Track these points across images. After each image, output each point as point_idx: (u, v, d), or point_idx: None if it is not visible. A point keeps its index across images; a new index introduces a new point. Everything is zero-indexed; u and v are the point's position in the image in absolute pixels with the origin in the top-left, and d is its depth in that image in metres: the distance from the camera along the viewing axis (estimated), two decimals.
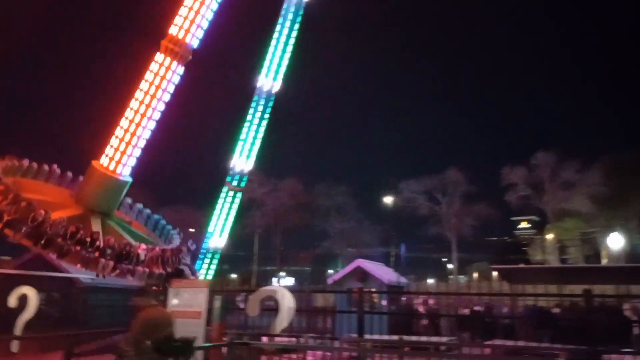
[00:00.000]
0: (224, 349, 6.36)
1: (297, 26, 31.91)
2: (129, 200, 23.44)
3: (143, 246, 18.08)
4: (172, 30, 22.01)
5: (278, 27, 31.82)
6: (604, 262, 44.74)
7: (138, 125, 20.98)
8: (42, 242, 14.95)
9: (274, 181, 52.68)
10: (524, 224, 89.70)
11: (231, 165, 32.36)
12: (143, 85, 21.51)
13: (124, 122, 21.12)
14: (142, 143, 21.14)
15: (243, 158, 32.17)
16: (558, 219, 47.49)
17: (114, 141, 20.89)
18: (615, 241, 43.19)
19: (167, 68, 21.57)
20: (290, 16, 31.75)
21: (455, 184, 50.55)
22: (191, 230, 55.02)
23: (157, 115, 21.67)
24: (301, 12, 31.81)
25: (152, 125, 21.56)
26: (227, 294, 12.08)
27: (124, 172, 20.74)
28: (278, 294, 7.36)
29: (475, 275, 59.07)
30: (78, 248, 15.50)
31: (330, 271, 51.26)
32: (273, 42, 31.70)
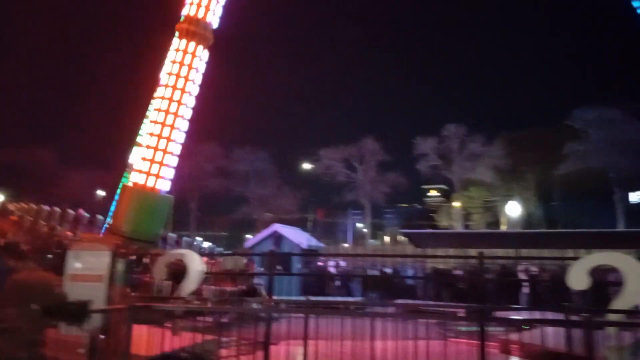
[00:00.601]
0: (126, 313, 6.19)
1: None
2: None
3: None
4: (188, 10, 18.60)
5: None
6: (503, 228, 48.40)
7: (172, 127, 16.96)
8: None
9: (190, 144, 51.18)
10: (433, 192, 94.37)
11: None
12: (166, 78, 17.49)
13: (152, 127, 17.25)
14: (176, 149, 16.90)
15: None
16: (464, 188, 50.60)
17: (144, 152, 16.65)
18: (513, 209, 47.13)
19: (193, 55, 17.96)
20: None
21: (372, 153, 51.96)
22: (102, 193, 52.49)
23: (188, 113, 17.23)
24: None
25: (184, 125, 17.21)
26: (133, 257, 11.74)
27: (163, 187, 16.95)
28: (186, 257, 7.24)
29: (387, 239, 61.63)
30: None
31: (249, 236, 51.30)
32: None
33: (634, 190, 50.90)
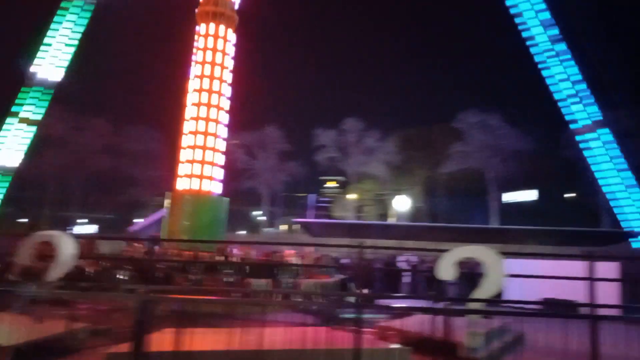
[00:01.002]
0: None
1: None
2: None
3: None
4: None
5: None
6: (392, 220, 50.93)
7: (217, 121, 15.81)
8: None
9: (78, 118, 47.59)
10: (330, 184, 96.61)
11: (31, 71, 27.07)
12: (197, 69, 16.24)
13: (190, 125, 15.96)
14: (222, 145, 15.95)
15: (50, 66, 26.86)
16: (359, 180, 52.48)
17: (186, 153, 15.59)
18: (402, 203, 49.84)
19: (225, 39, 16.73)
20: None
21: (273, 141, 52.00)
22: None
23: (227, 104, 16.12)
24: None
25: (226, 118, 16.08)
26: None
27: (215, 189, 15.98)
28: (56, 239, 6.73)
29: (283, 227, 62.19)
30: None
31: (138, 220, 49.01)
32: None
33: (507, 191, 56.12)
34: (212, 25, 17.16)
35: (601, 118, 35.02)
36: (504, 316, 9.44)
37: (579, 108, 35.02)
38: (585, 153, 36.98)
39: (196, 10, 17.69)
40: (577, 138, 36.94)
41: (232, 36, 17.63)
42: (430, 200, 54.53)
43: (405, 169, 51.35)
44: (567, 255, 9.81)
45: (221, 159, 16.77)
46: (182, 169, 16.44)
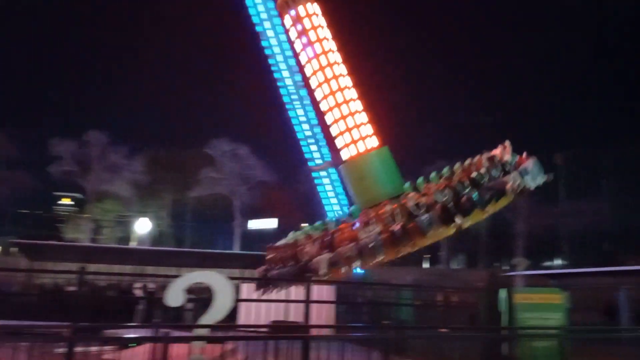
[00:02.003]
0: None
1: None
2: None
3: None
4: None
5: None
6: (133, 244, 48.17)
7: (341, 89, 17.07)
8: None
9: None
10: (65, 200, 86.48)
11: None
12: (304, 56, 17.73)
13: (325, 104, 17.37)
14: (358, 105, 17.09)
15: None
16: (98, 199, 48.29)
17: (335, 127, 17.21)
18: (144, 226, 47.68)
19: (311, 16, 17.74)
20: None
21: None
22: None
23: (343, 69, 17.68)
24: None
25: (349, 81, 17.50)
26: None
27: (371, 144, 16.80)
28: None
29: None
30: None
31: None
32: None
33: (251, 218, 59.10)
34: (300, 8, 17.66)
35: (330, 159, 40.15)
36: (233, 341, 9.74)
37: (315, 148, 39.43)
38: (318, 189, 41.67)
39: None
40: (313, 174, 41.45)
41: (316, 8, 18.04)
42: (177, 225, 53.63)
43: (152, 191, 49.48)
44: (289, 280, 10.75)
45: (363, 117, 17.54)
46: (339, 142, 17.49)
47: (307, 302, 9.06)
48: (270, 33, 37.04)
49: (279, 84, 38.33)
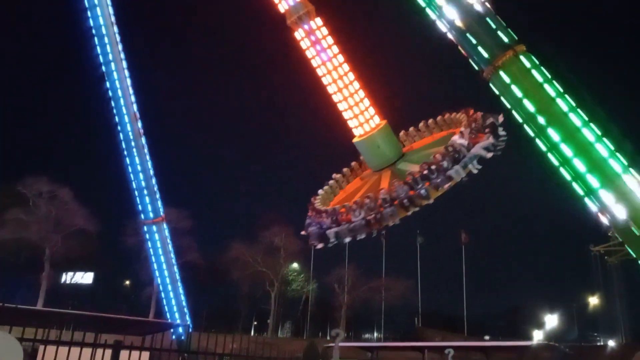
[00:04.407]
0: None
1: None
2: None
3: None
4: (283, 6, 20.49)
5: None
6: None
7: (350, 82, 20.05)
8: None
9: None
10: None
11: None
12: (315, 62, 20.35)
13: (339, 95, 20.26)
14: (362, 94, 20.05)
15: None
16: None
17: (347, 114, 20.28)
18: None
19: (318, 28, 20.20)
20: None
21: None
22: None
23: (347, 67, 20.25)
24: None
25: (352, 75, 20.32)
26: None
27: (373, 123, 19.77)
28: None
29: None
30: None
31: None
32: None
33: (65, 270, 52.85)
34: (312, 23, 20.60)
35: (162, 214, 38.37)
36: None
37: (147, 201, 37.33)
38: (148, 244, 39.09)
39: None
40: (143, 229, 38.88)
41: (319, 21, 20.61)
42: None
43: None
44: (96, 344, 9.56)
45: (367, 102, 20.44)
46: (352, 123, 20.57)
47: None
48: (115, 75, 35.14)
49: (118, 128, 36.15)
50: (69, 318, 27.33)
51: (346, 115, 21.34)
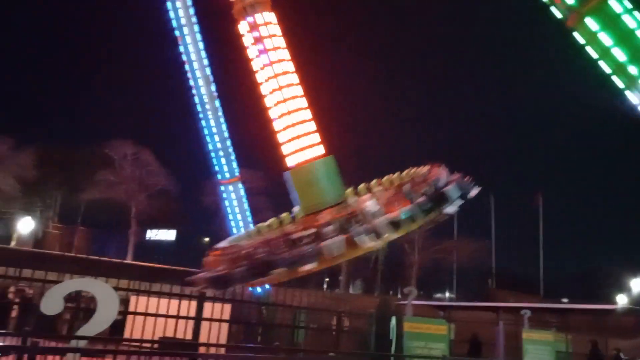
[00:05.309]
0: None
1: None
2: None
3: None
4: None
5: None
6: (13, 243, 43.94)
7: (294, 97, 17.68)
8: None
9: None
10: None
11: None
12: (258, 62, 18.18)
13: (276, 111, 17.83)
14: (307, 114, 17.64)
15: None
16: None
17: (282, 137, 17.66)
18: (26, 225, 43.62)
19: (268, 23, 18.34)
20: None
21: None
22: None
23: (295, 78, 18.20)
24: None
25: (300, 90, 18.04)
26: None
27: (317, 153, 17.45)
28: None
29: None
30: None
31: None
32: None
33: (149, 227, 56.37)
34: (258, 17, 17.98)
35: (238, 174, 39.54)
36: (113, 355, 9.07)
37: (224, 162, 38.61)
38: (224, 203, 40.69)
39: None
40: (220, 188, 40.46)
41: (272, 17, 18.36)
42: (65, 227, 49.66)
43: (40, 188, 45.36)
44: (182, 295, 10.26)
45: (311, 126, 18.06)
46: (286, 149, 17.98)
47: (199, 319, 8.67)
48: (188, 39, 36.02)
49: (192, 92, 37.24)
50: (156, 271, 29.43)
51: (282, 136, 17.60)
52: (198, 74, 36.47)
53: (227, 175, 38.94)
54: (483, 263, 55.04)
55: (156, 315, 10.41)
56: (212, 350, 9.65)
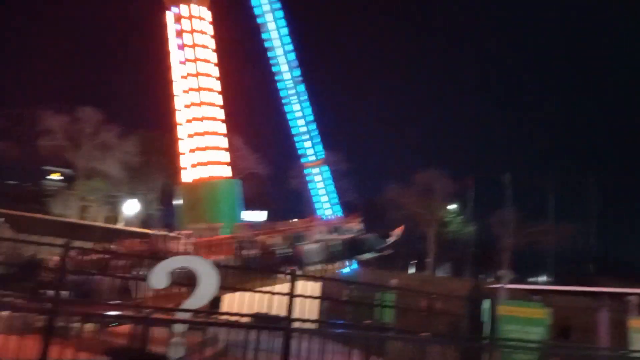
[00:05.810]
0: None
1: None
2: None
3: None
4: None
5: None
6: (120, 224, 47.86)
7: (212, 104, 15.84)
8: None
9: None
10: (55, 175, 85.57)
11: None
12: (180, 54, 15.76)
13: (187, 113, 15.99)
14: (221, 128, 15.57)
15: None
16: (88, 176, 47.85)
17: (186, 144, 15.16)
18: (132, 207, 47.37)
19: (200, 18, 15.62)
20: None
21: None
22: None
23: (217, 85, 15.89)
24: None
25: (219, 99, 15.90)
26: None
27: (221, 172, 15.54)
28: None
29: None
30: None
31: None
32: None
33: (242, 209, 58.81)
34: (183, 7, 15.74)
35: (324, 157, 40.10)
36: (215, 327, 9.68)
37: (309, 145, 39.32)
38: (309, 185, 41.57)
39: None
40: (305, 171, 41.33)
41: (207, 14, 16.21)
42: (166, 208, 53.20)
43: (143, 173, 49.01)
44: (278, 271, 10.69)
45: (223, 142, 16.01)
46: (185, 160, 15.50)
47: (291, 295, 9.02)
48: (271, 26, 36.77)
49: (276, 77, 38.09)
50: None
51: (186, 144, 15.46)
52: (282, 60, 37.18)
53: (312, 158, 39.67)
54: (582, 247, 51.73)
55: (251, 290, 10.96)
56: (306, 326, 9.99)
